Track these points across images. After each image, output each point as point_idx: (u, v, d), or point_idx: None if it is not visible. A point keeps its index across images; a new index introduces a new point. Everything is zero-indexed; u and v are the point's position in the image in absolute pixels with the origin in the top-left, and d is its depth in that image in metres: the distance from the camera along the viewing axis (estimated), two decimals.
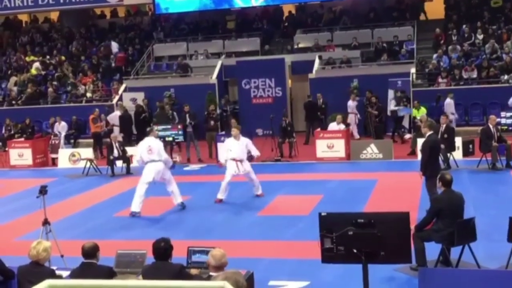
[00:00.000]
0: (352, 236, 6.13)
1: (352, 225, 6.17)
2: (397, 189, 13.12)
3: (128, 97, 23.94)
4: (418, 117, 18.12)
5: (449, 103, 19.75)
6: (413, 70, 22.27)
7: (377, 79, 21.60)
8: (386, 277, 7.81)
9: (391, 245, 6.17)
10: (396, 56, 23.40)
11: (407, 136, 19.95)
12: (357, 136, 20.68)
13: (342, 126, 17.94)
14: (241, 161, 13.02)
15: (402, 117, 20.54)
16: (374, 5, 26.41)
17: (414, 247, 7.42)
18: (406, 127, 20.83)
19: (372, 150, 16.85)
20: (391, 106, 20.73)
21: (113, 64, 26.46)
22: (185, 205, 12.51)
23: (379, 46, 24.04)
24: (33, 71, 26.92)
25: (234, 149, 13.05)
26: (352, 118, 20.84)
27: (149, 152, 12.24)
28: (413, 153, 16.60)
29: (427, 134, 10.51)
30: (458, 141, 16.06)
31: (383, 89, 21.32)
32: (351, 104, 21.01)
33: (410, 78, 21.77)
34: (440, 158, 15.11)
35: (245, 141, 13.32)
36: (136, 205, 12.11)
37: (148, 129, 13.69)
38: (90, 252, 6.23)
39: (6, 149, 20.22)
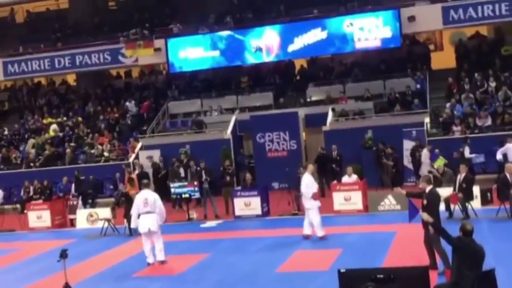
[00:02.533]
0: None
1: (371, 281, 6.17)
2: (416, 241, 12.94)
3: (144, 155, 24.19)
4: (436, 167, 18.07)
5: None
6: (427, 120, 22.33)
7: (391, 130, 21.69)
8: None
9: None
10: (409, 106, 23.53)
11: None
12: None
13: (354, 177, 17.91)
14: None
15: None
16: (385, 57, 26.73)
17: None
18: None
19: (390, 201, 16.77)
20: (466, 153, 19.82)
21: (129, 122, 26.84)
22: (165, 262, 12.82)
23: (392, 96, 24.22)
24: (51, 132, 27.37)
25: (314, 185, 14.31)
26: None
27: (145, 204, 12.76)
28: None
29: (428, 189, 10.49)
30: (476, 189, 15.96)
31: (397, 140, 21.38)
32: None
33: (425, 128, 21.82)
34: (458, 208, 15.11)
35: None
36: (148, 256, 12.89)
37: (144, 181, 14.25)
38: None
39: (25, 211, 20.39)
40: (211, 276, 11.76)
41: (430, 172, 18.67)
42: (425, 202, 10.45)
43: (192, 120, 25.67)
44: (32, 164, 25.55)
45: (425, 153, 20.05)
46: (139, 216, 12.87)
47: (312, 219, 14.05)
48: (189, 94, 28.10)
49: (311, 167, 15.04)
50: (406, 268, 6.73)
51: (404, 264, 9.42)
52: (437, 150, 19.68)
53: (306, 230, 14.26)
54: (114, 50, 27.97)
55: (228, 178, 19.64)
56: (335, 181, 18.75)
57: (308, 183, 14.22)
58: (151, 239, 12.86)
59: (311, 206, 14.13)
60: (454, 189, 15.56)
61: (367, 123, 23.12)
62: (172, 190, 18.91)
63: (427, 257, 10.48)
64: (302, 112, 24.36)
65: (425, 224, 10.21)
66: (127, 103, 27.70)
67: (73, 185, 22.04)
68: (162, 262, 12.83)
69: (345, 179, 17.97)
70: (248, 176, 19.18)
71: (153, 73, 31.37)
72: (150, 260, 12.84)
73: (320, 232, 14.05)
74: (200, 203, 19.34)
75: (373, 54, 26.83)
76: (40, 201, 21.20)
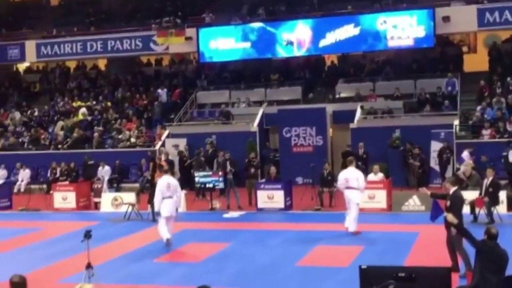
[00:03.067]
0: None
1: (393, 279, 6.12)
2: (439, 242, 12.84)
3: (170, 143, 24.33)
4: (462, 169, 17.87)
5: None
6: (456, 122, 22.09)
7: (420, 130, 21.51)
8: None
9: None
10: (439, 108, 23.29)
11: None
12: None
13: (380, 175, 17.81)
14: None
15: None
16: (417, 57, 26.48)
17: None
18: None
19: (414, 202, 16.64)
20: (510, 157, 19.37)
21: (157, 110, 27.00)
22: (170, 242, 13.09)
23: (422, 97, 24.00)
24: (80, 116, 27.67)
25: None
26: None
27: (168, 189, 13.30)
28: None
29: (452, 190, 10.43)
30: (503, 194, 15.76)
31: (426, 140, 21.19)
32: None
33: (454, 130, 21.59)
34: (483, 212, 14.94)
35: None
36: (165, 233, 13.16)
37: (167, 168, 14.89)
38: None
39: (51, 192, 20.67)
40: (231, 265, 11.80)
41: (456, 173, 18.50)
42: (448, 203, 10.38)
43: (220, 110, 25.73)
44: (60, 146, 25.87)
45: (466, 155, 19.64)
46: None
47: (354, 213, 14.01)
48: (218, 84, 28.17)
49: (351, 160, 15.00)
50: (428, 268, 6.68)
51: (425, 265, 9.35)
52: (466, 153, 19.43)
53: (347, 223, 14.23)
54: (146, 37, 28.16)
55: (252, 170, 19.66)
56: None
57: (359, 178, 14.27)
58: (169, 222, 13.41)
59: (359, 201, 14.22)
60: (480, 193, 15.40)
61: (396, 122, 22.95)
62: (197, 179, 19.01)
63: (449, 259, 10.39)
64: (330, 108, 24.26)
65: (448, 225, 10.13)
66: (159, 90, 27.82)
67: (99, 169, 22.28)
68: (167, 241, 13.20)
69: (371, 177, 17.87)
70: (272, 169, 19.19)
71: (183, 62, 31.50)
72: (168, 235, 13.19)
73: (355, 227, 14.02)
74: (223, 193, 19.40)
75: (405, 53, 26.60)
76: (66, 182, 21.44)
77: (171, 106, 27.19)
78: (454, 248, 10.31)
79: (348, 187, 14.18)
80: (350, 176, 14.29)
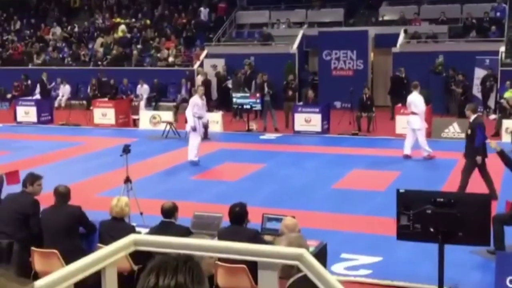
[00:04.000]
0: (430, 215, 6.01)
1: (430, 204, 6.05)
2: (477, 171, 12.73)
3: (209, 64, 24.21)
4: (506, 97, 17.45)
5: None
6: (502, 49, 21.37)
7: (464, 57, 20.86)
8: (462, 259, 7.62)
9: (470, 227, 6.01)
10: (485, 34, 22.51)
11: (492, 116, 19.26)
12: None
13: None
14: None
15: None
16: None
17: (493, 230, 7.22)
18: (492, 107, 20.11)
19: (454, 129, 16.38)
20: None
21: (194, 30, 26.70)
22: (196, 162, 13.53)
23: (468, 22, 23.18)
24: (119, 33, 27.59)
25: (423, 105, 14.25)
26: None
27: (198, 108, 13.76)
28: (497, 134, 16.05)
29: (472, 118, 10.32)
30: None
31: (469, 67, 20.61)
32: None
33: (499, 57, 20.92)
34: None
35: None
36: (192, 155, 13.55)
37: (193, 88, 15.18)
38: (170, 211, 6.43)
39: (91, 108, 20.93)
40: (266, 186, 11.90)
41: (499, 102, 18.09)
42: (469, 131, 10.25)
43: (259, 32, 25.33)
44: (99, 63, 25.98)
45: (508, 84, 18.98)
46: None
47: (421, 139, 14.04)
48: (258, 4, 27.60)
49: (416, 84, 14.85)
50: (467, 194, 6.60)
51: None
52: (508, 82, 18.88)
53: (408, 150, 14.22)
54: None
55: (290, 92, 19.51)
56: (399, 104, 18.35)
57: (418, 103, 14.10)
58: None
59: (421, 127, 14.10)
60: None
61: (439, 48, 22.31)
62: (234, 100, 18.97)
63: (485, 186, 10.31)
64: (372, 31, 23.63)
65: (465, 154, 10.44)
66: (201, 9, 27.43)
67: (138, 86, 22.40)
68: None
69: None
70: (310, 92, 19.01)
71: None
72: (194, 158, 13.64)
73: (428, 151, 14.08)
74: (261, 115, 19.36)
75: None
76: (106, 99, 21.67)
77: (212, 26, 26.84)
78: (487, 176, 10.26)
79: (411, 112, 14.22)
80: (412, 100, 14.24)
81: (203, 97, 14.45)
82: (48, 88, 24.42)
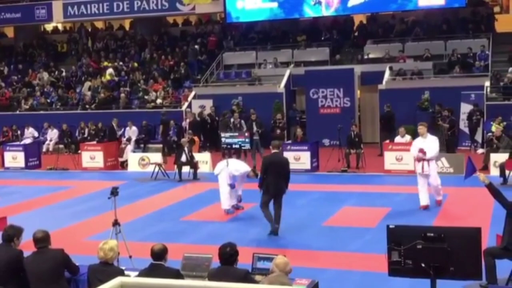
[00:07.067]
0: (421, 250, 5.97)
1: (421, 239, 6.02)
2: (467, 205, 12.75)
3: (197, 104, 24.30)
4: (493, 130, 17.61)
5: None
6: (487, 84, 21.64)
7: (450, 92, 21.11)
8: None
9: (461, 261, 5.97)
10: (470, 69, 22.81)
11: (480, 150, 19.38)
12: None
13: (407, 138, 17.56)
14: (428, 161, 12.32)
15: None
16: (448, 17, 25.86)
17: (484, 264, 7.19)
18: (479, 141, 20.26)
19: (442, 164, 16.41)
20: None
21: (182, 71, 26.90)
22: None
23: (453, 58, 23.50)
24: (107, 76, 27.72)
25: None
26: None
27: None
28: (485, 168, 16.12)
29: None
30: None
31: (455, 102, 20.83)
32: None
33: (484, 92, 21.16)
34: None
35: (433, 139, 12.50)
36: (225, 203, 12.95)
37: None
38: (160, 254, 6.34)
39: (79, 151, 20.87)
40: (257, 225, 11.81)
41: (488, 136, 18.25)
42: None
43: (247, 72, 25.54)
44: (87, 106, 26.01)
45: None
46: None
47: (437, 182, 12.63)
48: (245, 45, 27.91)
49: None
50: (457, 228, 6.55)
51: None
52: (492, 123, 19.03)
53: (425, 200, 12.56)
54: None
55: (278, 131, 19.59)
56: (387, 141, 18.46)
57: (432, 146, 12.45)
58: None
59: (436, 170, 12.89)
60: (510, 156, 15.16)
61: (425, 84, 22.56)
62: (223, 140, 18.96)
63: (478, 220, 10.27)
64: (358, 69, 23.91)
65: None
66: (195, 46, 27.72)
67: (126, 129, 22.41)
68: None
69: (398, 139, 17.66)
70: (299, 130, 19.08)
71: (210, 23, 31.23)
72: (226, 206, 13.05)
73: (441, 196, 12.92)
74: (251, 154, 19.36)
75: (435, 13, 25.98)
76: (94, 142, 21.62)
77: (202, 62, 27.07)
78: None
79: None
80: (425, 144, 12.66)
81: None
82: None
